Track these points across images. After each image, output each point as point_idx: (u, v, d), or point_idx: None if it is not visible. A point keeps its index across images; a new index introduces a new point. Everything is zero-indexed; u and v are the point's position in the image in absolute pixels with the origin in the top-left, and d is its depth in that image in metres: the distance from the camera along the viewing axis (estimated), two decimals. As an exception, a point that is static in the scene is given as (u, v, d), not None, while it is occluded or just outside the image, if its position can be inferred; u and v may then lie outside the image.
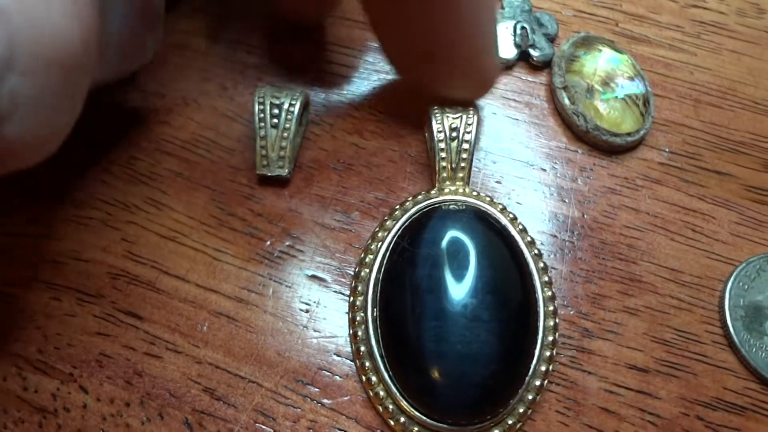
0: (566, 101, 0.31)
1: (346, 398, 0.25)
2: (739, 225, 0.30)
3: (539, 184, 0.30)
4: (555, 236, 0.29)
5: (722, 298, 0.28)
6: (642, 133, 0.31)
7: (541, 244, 0.28)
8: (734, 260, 0.29)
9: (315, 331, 0.26)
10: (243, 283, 0.27)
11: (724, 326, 0.27)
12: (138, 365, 0.25)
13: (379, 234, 0.27)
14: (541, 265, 0.27)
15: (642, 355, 0.27)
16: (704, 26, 0.35)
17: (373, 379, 0.25)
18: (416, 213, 0.27)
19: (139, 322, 0.26)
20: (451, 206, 0.27)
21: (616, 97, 0.31)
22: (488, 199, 0.28)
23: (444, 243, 0.25)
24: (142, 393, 0.25)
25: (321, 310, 0.27)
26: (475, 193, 0.28)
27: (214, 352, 0.25)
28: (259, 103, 0.28)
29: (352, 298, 0.26)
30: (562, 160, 0.31)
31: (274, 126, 0.28)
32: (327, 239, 0.28)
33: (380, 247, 0.27)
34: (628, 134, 0.30)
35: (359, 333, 0.25)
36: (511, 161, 0.31)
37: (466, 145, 0.28)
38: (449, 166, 0.28)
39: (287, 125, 0.28)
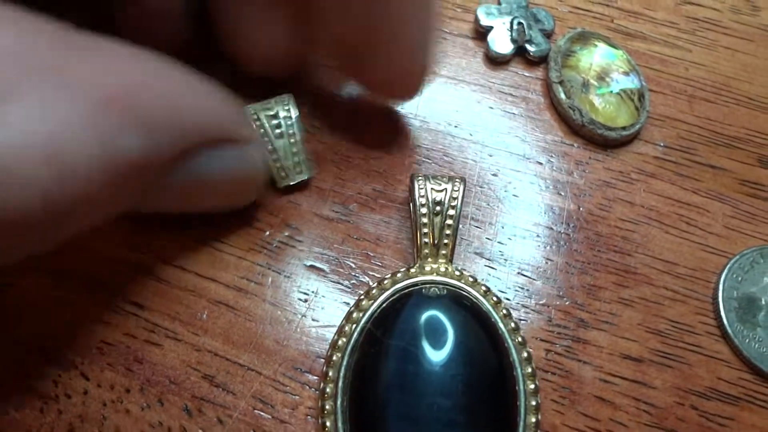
0: (562, 95, 0.31)
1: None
2: (733, 218, 0.30)
3: (535, 177, 0.30)
4: (551, 228, 0.29)
5: (716, 289, 0.28)
6: (637, 127, 0.31)
7: (537, 236, 0.29)
8: (728, 253, 0.29)
9: (313, 320, 0.26)
10: (242, 273, 0.27)
11: (718, 317, 0.28)
12: (138, 352, 0.25)
13: (354, 315, 0.26)
14: (525, 354, 0.25)
15: (637, 345, 0.27)
16: (699, 23, 0.36)
17: None
18: (394, 294, 0.26)
19: (140, 311, 0.26)
20: (431, 290, 0.26)
21: (612, 91, 0.32)
22: (471, 280, 0.26)
23: (419, 335, 0.24)
24: (142, 380, 0.25)
25: (319, 299, 0.27)
26: (458, 273, 0.26)
27: (214, 340, 0.26)
28: (255, 120, 0.27)
29: (322, 385, 0.24)
30: (558, 154, 0.31)
31: (279, 136, 0.27)
32: (326, 230, 0.28)
33: (354, 330, 0.25)
34: (623, 128, 0.31)
35: (328, 424, 0.24)
36: (507, 154, 0.31)
37: (450, 221, 0.26)
38: (431, 242, 0.27)
39: (290, 131, 0.27)
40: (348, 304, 0.27)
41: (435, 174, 0.28)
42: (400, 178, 0.30)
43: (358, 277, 0.27)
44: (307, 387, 0.25)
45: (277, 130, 0.27)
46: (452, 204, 0.27)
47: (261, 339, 0.26)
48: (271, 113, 0.27)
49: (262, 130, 0.27)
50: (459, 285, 0.26)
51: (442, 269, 0.26)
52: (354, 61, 0.28)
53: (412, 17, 0.25)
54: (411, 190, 0.27)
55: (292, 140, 0.28)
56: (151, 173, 0.20)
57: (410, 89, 0.29)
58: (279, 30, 0.27)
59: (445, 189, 0.27)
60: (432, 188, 0.27)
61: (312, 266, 0.27)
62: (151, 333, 0.26)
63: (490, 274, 0.28)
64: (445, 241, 0.26)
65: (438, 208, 0.26)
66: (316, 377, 0.25)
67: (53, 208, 0.17)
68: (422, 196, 0.27)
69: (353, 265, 0.28)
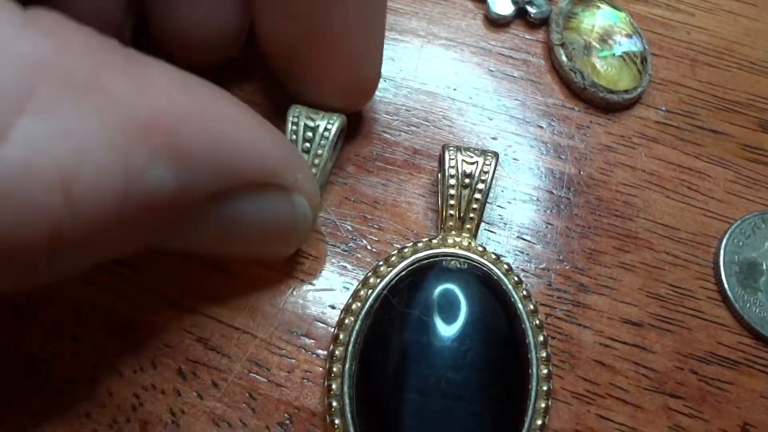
0: (563, 58, 0.31)
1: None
2: (734, 183, 0.30)
3: (536, 141, 0.30)
4: (551, 192, 0.29)
5: (717, 254, 0.28)
6: (639, 90, 0.31)
7: (537, 200, 0.28)
8: (729, 218, 0.29)
9: (310, 284, 0.26)
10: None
11: (719, 282, 0.27)
12: (130, 315, 0.25)
13: (371, 280, 0.25)
14: (541, 338, 0.24)
15: (637, 309, 0.27)
16: (702, -14, 0.35)
17: None
18: (413, 264, 0.25)
19: (135, 273, 0.25)
20: (451, 263, 0.25)
21: (614, 54, 0.31)
22: (494, 257, 0.26)
23: (436, 308, 0.23)
24: (134, 342, 0.24)
25: (316, 263, 0.26)
26: (481, 249, 0.26)
27: (208, 303, 0.25)
28: (293, 123, 0.26)
29: (332, 347, 0.24)
30: (559, 117, 0.31)
31: (306, 150, 0.25)
32: (323, 193, 0.28)
33: (369, 296, 0.24)
34: (625, 92, 0.30)
35: (333, 386, 0.23)
36: (507, 118, 0.30)
37: (478, 195, 0.26)
38: (457, 215, 0.26)
39: (320, 151, 0.25)
40: (345, 267, 0.26)
41: (467, 146, 0.27)
42: (398, 140, 0.29)
43: (355, 240, 0.27)
44: (303, 350, 0.25)
45: (306, 144, 0.25)
46: (482, 178, 0.26)
47: (257, 302, 0.25)
48: (312, 124, 0.26)
49: (294, 136, 0.25)
50: (481, 261, 0.25)
51: (465, 243, 0.26)
52: (295, 67, 0.26)
53: (358, 21, 0.24)
54: (441, 160, 0.26)
55: (316, 161, 0.25)
56: (180, 211, 0.19)
57: (359, 98, 0.28)
58: (213, 3, 0.25)
59: (477, 162, 0.26)
60: (463, 160, 0.26)
61: (308, 229, 0.27)
62: (144, 295, 0.25)
63: (489, 238, 0.27)
64: (471, 215, 0.26)
65: (467, 180, 0.26)
66: (312, 340, 0.25)
67: (62, 239, 0.15)
68: (452, 167, 0.26)
69: (350, 228, 0.27)
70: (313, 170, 0.25)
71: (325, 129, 0.25)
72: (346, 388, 0.23)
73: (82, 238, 0.16)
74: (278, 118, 0.26)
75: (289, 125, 0.25)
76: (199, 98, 0.18)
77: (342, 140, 0.27)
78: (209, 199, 0.19)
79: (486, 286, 0.25)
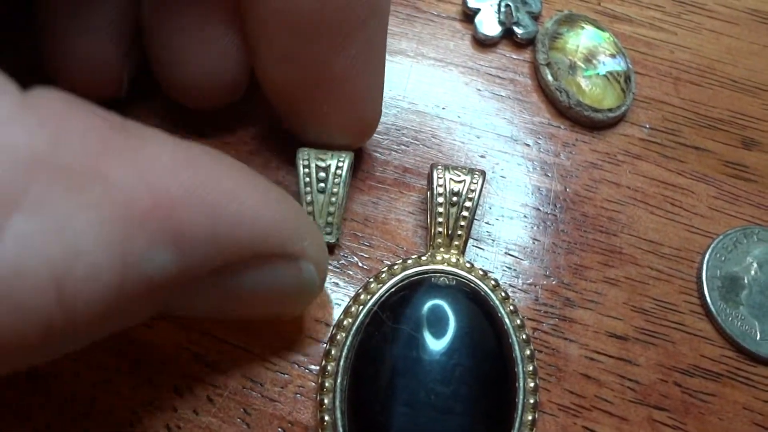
0: (549, 77, 0.32)
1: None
2: (717, 199, 0.31)
3: (523, 159, 0.31)
4: (538, 209, 0.29)
5: (700, 269, 0.29)
6: (623, 109, 0.31)
7: (524, 217, 0.29)
8: (712, 233, 0.30)
9: (302, 300, 0.27)
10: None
11: (702, 296, 0.28)
12: (129, 333, 0.25)
13: (362, 297, 0.26)
14: (528, 352, 0.25)
15: (622, 323, 0.27)
16: (684, 6, 0.36)
17: None
18: (403, 280, 0.26)
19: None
20: (440, 279, 0.26)
21: (598, 73, 0.32)
22: (481, 273, 0.26)
23: (425, 323, 0.24)
24: (132, 359, 0.25)
25: (308, 279, 0.27)
26: (468, 265, 0.26)
27: (203, 321, 0.26)
28: (304, 166, 0.26)
29: (324, 362, 0.25)
30: (545, 136, 0.31)
31: (321, 191, 0.26)
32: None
33: (360, 311, 0.25)
34: (610, 110, 0.31)
35: (326, 401, 0.24)
36: (495, 136, 0.31)
37: (466, 213, 0.26)
38: (446, 232, 0.27)
39: (335, 189, 0.26)
40: (337, 284, 0.27)
41: (456, 165, 0.28)
42: (389, 159, 0.30)
43: (346, 257, 0.28)
44: (297, 366, 0.25)
45: (321, 184, 0.26)
46: (470, 196, 0.26)
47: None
48: (323, 165, 0.26)
49: (307, 179, 0.26)
50: (468, 277, 0.26)
51: (453, 260, 0.26)
52: (298, 109, 0.26)
53: (362, 66, 0.24)
54: (429, 179, 0.27)
55: (332, 199, 0.26)
56: (181, 288, 0.18)
57: (361, 136, 0.28)
58: (217, 50, 0.25)
59: (464, 180, 0.27)
60: (451, 179, 0.27)
61: (301, 246, 0.28)
62: (140, 313, 0.26)
63: (477, 254, 0.28)
64: (459, 232, 0.26)
65: (455, 198, 0.27)
66: (305, 356, 0.26)
67: (54, 333, 0.15)
68: (440, 186, 0.27)
69: (342, 245, 0.28)
70: (331, 209, 0.26)
71: (337, 167, 0.26)
72: (338, 403, 0.24)
73: (76, 329, 0.16)
74: (281, 158, 0.27)
75: (301, 168, 0.26)
76: (199, 172, 0.17)
77: (350, 175, 0.27)
78: (213, 272, 0.19)
79: (474, 302, 0.25)
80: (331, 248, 0.28)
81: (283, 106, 0.27)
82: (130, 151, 0.16)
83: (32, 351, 0.15)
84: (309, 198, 0.26)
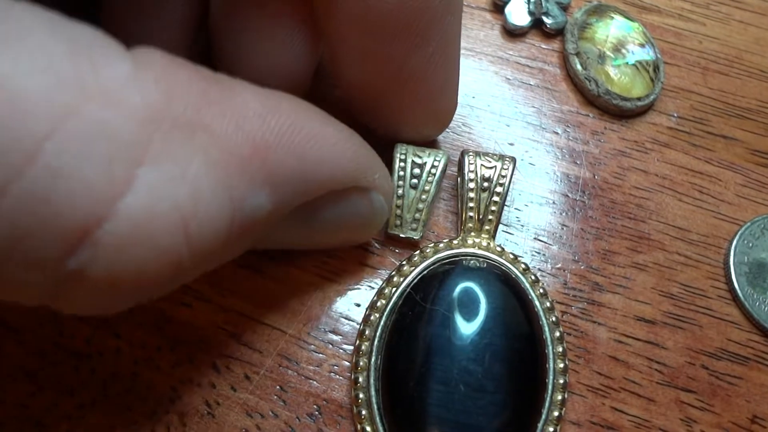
0: (578, 67, 0.32)
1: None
2: (744, 187, 0.31)
3: (552, 147, 0.31)
4: (567, 196, 0.30)
5: (727, 255, 0.29)
6: (651, 98, 0.32)
7: (553, 203, 0.30)
8: (739, 220, 0.30)
9: (335, 282, 0.27)
10: (267, 237, 0.28)
11: (729, 281, 0.28)
12: (168, 312, 0.26)
13: (395, 279, 0.26)
14: (557, 334, 0.26)
15: (650, 308, 0.28)
16: (713, -4, 0.36)
17: (368, 429, 0.24)
18: (435, 263, 0.26)
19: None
20: (471, 262, 0.26)
21: (627, 63, 0.32)
22: (512, 256, 0.27)
23: (458, 304, 0.25)
24: (172, 338, 0.26)
25: (342, 263, 0.28)
26: (499, 249, 0.27)
27: (240, 301, 0.26)
28: (400, 161, 0.27)
29: (358, 342, 0.25)
30: (574, 124, 0.32)
31: (414, 186, 0.27)
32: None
33: (393, 293, 0.26)
34: (638, 99, 0.31)
35: (360, 379, 0.25)
36: (524, 124, 0.32)
37: (496, 198, 0.27)
38: (476, 217, 0.27)
39: (427, 187, 0.27)
40: (370, 266, 0.28)
41: (486, 151, 0.28)
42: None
43: (379, 240, 0.28)
44: (331, 346, 0.26)
45: (414, 180, 0.27)
46: (500, 182, 0.27)
47: (285, 300, 0.27)
48: (419, 161, 0.27)
49: (402, 173, 0.27)
50: (499, 261, 0.27)
51: (484, 244, 0.27)
52: (377, 105, 0.27)
53: (439, 61, 0.24)
54: (460, 165, 0.28)
55: (423, 196, 0.27)
56: (274, 223, 0.20)
57: (439, 127, 0.29)
58: (285, 49, 0.25)
59: (495, 166, 0.27)
60: (482, 164, 0.27)
61: (334, 231, 0.28)
62: (180, 294, 0.26)
63: (507, 239, 0.29)
64: (490, 217, 0.27)
65: (486, 184, 0.27)
66: (339, 336, 0.26)
67: (181, 271, 0.17)
68: (471, 171, 0.27)
69: (375, 230, 0.28)
70: (420, 205, 0.27)
71: (432, 166, 0.27)
72: (372, 381, 0.24)
73: (197, 265, 0.18)
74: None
75: (397, 162, 0.27)
76: (285, 117, 0.19)
77: (443, 176, 0.28)
78: (298, 208, 0.21)
79: (505, 284, 0.26)
80: (409, 243, 0.28)
81: (360, 103, 0.27)
82: (225, 101, 0.17)
83: (162, 285, 0.17)
84: (400, 191, 0.27)
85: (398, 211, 0.27)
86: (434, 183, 0.27)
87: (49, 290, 0.16)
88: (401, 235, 0.27)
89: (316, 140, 0.20)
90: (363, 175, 0.22)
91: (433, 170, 0.27)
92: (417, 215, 0.27)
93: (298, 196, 0.20)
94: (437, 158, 0.27)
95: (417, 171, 0.27)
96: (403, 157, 0.27)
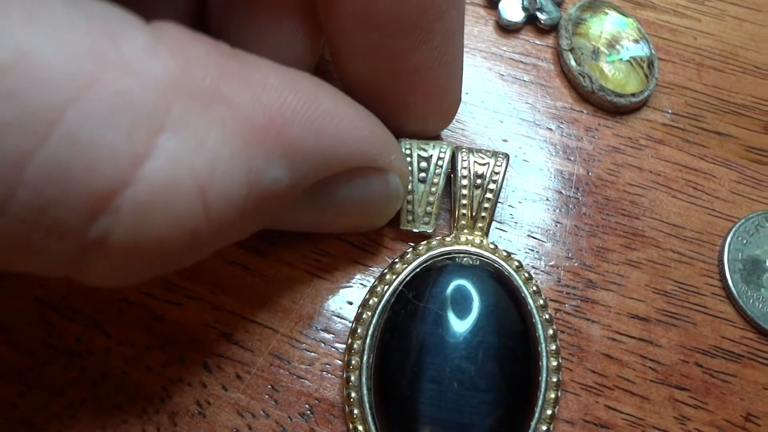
0: (572, 63, 0.32)
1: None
2: (739, 184, 0.31)
3: (545, 143, 0.31)
4: (560, 192, 0.30)
5: (721, 252, 0.29)
6: (646, 94, 0.31)
7: (547, 200, 0.29)
8: (733, 217, 0.30)
9: (327, 280, 0.27)
10: (257, 234, 0.28)
11: (723, 279, 0.28)
12: (158, 311, 0.26)
13: (387, 276, 0.26)
14: (551, 332, 0.26)
15: (644, 305, 0.28)
16: (708, -8, 0.36)
17: (360, 428, 0.24)
18: (427, 260, 0.26)
19: (159, 270, 0.27)
20: (464, 259, 0.26)
21: (621, 59, 0.32)
22: (505, 254, 0.27)
23: (450, 302, 0.24)
24: (162, 337, 0.25)
25: (334, 260, 0.27)
26: (492, 246, 0.27)
27: (231, 300, 0.26)
28: (406, 155, 0.27)
29: (350, 340, 0.25)
30: (568, 120, 0.32)
31: (422, 180, 0.27)
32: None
33: (386, 291, 0.26)
34: (633, 95, 0.31)
35: (352, 378, 0.24)
36: (518, 120, 0.31)
37: (489, 195, 0.27)
38: (469, 214, 0.27)
39: (435, 180, 0.27)
40: (362, 264, 0.27)
41: (479, 147, 0.28)
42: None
43: (371, 238, 0.28)
44: (323, 344, 0.26)
45: (422, 174, 0.27)
46: (494, 179, 0.27)
47: (277, 298, 0.27)
48: (425, 155, 0.27)
49: (409, 168, 0.27)
50: (492, 258, 0.26)
51: (477, 241, 0.27)
52: (380, 100, 0.26)
53: (442, 57, 0.24)
54: (453, 162, 0.27)
55: (432, 189, 0.27)
56: (289, 200, 0.20)
57: (444, 122, 0.29)
58: (285, 46, 0.25)
59: (488, 163, 0.27)
60: (475, 161, 0.27)
61: (326, 228, 0.28)
62: (170, 293, 0.26)
63: (500, 236, 0.29)
64: (483, 214, 0.27)
65: (479, 181, 0.27)
66: (331, 335, 0.26)
67: (199, 241, 0.17)
68: (464, 168, 0.27)
69: (367, 227, 0.28)
70: (431, 198, 0.27)
71: (439, 158, 0.27)
72: (364, 380, 0.24)
73: (215, 237, 0.18)
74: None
75: (401, 151, 0.26)
76: (302, 94, 0.19)
77: (450, 167, 0.28)
78: (314, 186, 0.21)
79: (498, 282, 0.26)
80: (422, 237, 0.28)
81: (363, 99, 0.27)
82: (242, 75, 0.18)
83: (179, 256, 0.18)
84: (409, 187, 0.27)
85: (409, 207, 0.27)
86: (442, 175, 0.27)
87: (72, 259, 0.16)
88: (414, 230, 0.27)
89: (333, 117, 0.20)
90: (379, 155, 0.23)
91: (440, 162, 0.27)
92: (428, 209, 0.27)
93: (315, 172, 0.20)
94: (442, 150, 0.27)
95: (424, 164, 0.27)
96: (408, 151, 0.27)
